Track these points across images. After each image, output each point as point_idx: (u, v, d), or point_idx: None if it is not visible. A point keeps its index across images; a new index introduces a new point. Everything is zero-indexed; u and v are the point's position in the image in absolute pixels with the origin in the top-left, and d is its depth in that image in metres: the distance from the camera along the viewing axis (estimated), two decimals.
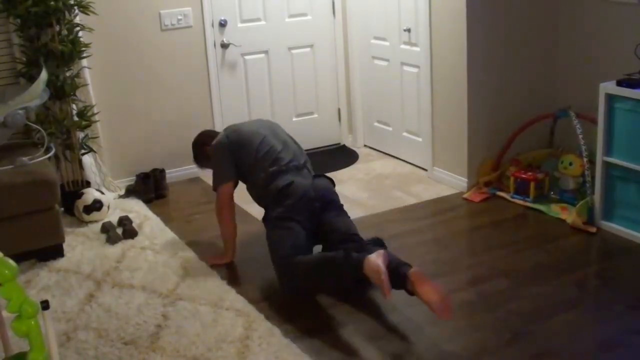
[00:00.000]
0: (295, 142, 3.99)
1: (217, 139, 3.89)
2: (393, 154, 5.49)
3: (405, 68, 5.12)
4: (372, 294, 3.44)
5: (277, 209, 3.56)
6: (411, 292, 3.11)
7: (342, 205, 3.72)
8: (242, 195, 4.79)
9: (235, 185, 3.86)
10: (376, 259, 3.06)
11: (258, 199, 3.83)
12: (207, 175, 5.23)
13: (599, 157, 3.97)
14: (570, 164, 4.33)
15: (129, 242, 4.12)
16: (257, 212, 4.53)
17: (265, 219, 3.72)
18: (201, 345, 3.05)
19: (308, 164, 3.88)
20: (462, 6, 4.37)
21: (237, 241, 3.90)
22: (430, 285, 3.02)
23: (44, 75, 4.04)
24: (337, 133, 5.81)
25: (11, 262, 2.15)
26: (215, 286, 3.56)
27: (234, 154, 3.78)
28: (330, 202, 3.66)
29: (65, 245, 4.01)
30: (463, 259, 3.81)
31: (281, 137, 3.90)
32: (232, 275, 3.71)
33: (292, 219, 3.50)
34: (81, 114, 4.53)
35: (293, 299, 3.45)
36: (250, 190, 3.86)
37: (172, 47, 4.99)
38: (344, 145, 5.82)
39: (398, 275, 3.10)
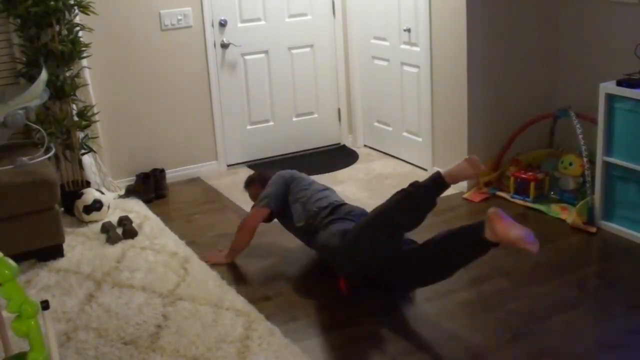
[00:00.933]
0: None
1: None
2: (393, 154, 5.49)
3: (405, 68, 5.12)
4: (371, 297, 3.44)
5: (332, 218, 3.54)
6: (493, 241, 2.98)
7: None
8: (241, 195, 4.80)
9: (270, 218, 3.90)
10: (494, 214, 2.95)
11: (306, 221, 3.67)
12: (207, 175, 5.25)
13: (599, 157, 3.97)
14: (570, 164, 4.33)
15: (129, 242, 4.12)
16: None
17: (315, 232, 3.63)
18: (201, 345, 3.05)
19: None
20: (462, 6, 4.37)
21: None
22: (510, 223, 2.92)
23: (44, 75, 4.03)
24: (337, 133, 5.81)
25: (11, 262, 2.15)
26: (215, 286, 3.56)
27: (289, 188, 3.81)
28: None
29: (65, 245, 4.01)
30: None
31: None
32: (232, 275, 3.71)
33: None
34: (81, 114, 4.53)
35: (293, 299, 3.46)
36: (295, 217, 3.73)
37: (172, 47, 4.99)
38: (344, 145, 5.82)
39: (474, 229, 3.05)
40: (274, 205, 3.78)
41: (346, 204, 3.70)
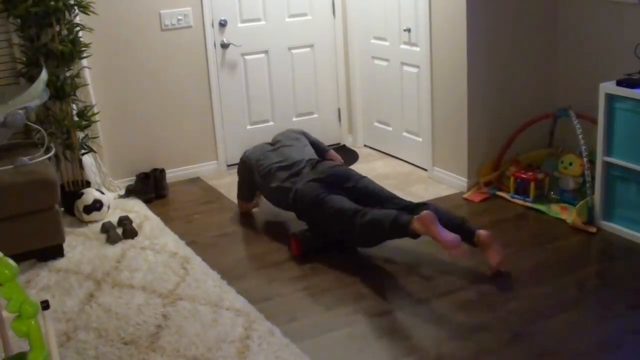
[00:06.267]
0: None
1: None
2: (393, 154, 5.49)
3: (405, 68, 5.12)
4: (373, 296, 3.45)
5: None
6: (475, 245, 3.64)
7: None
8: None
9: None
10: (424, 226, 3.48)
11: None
12: (207, 175, 5.25)
13: (599, 157, 3.97)
14: (570, 164, 4.33)
15: (129, 242, 4.12)
16: (256, 211, 4.54)
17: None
18: (201, 345, 3.05)
19: None
20: (462, 6, 4.37)
21: (238, 239, 3.98)
22: (494, 250, 3.57)
23: (44, 75, 4.03)
24: (337, 133, 5.81)
25: (11, 262, 2.15)
26: (215, 286, 3.56)
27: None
28: None
29: (65, 245, 4.01)
30: (463, 259, 3.80)
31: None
32: (232, 275, 3.71)
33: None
34: (81, 114, 4.53)
35: (293, 299, 3.46)
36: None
37: (172, 47, 4.99)
38: (344, 145, 5.82)
39: (463, 232, 3.59)
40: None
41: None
